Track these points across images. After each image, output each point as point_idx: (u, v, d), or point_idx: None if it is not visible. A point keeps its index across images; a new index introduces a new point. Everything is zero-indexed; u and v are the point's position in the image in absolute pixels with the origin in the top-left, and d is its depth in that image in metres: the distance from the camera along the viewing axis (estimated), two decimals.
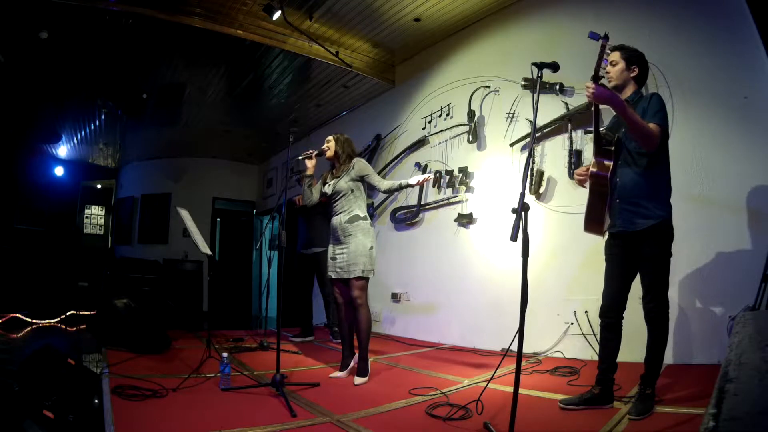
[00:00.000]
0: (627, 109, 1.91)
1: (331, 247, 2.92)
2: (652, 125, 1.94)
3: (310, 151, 3.01)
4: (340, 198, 2.87)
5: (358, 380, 2.70)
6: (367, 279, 2.80)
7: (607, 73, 2.14)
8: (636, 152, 2.03)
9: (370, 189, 3.05)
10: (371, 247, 2.80)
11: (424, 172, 4.86)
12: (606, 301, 2.12)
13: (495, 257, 4.05)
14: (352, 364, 2.90)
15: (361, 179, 2.91)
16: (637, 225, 2.00)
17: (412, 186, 2.83)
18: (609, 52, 2.09)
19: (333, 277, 2.87)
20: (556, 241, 3.59)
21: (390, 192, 3.05)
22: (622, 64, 2.10)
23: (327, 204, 4.27)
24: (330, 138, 3.04)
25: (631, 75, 2.11)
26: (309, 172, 3.01)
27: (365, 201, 2.94)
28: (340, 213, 2.86)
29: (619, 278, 2.10)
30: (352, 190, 2.87)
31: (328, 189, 2.94)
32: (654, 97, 2.02)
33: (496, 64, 4.24)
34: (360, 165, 2.92)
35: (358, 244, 2.77)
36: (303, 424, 1.91)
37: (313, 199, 3.01)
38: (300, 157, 3.02)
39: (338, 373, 2.86)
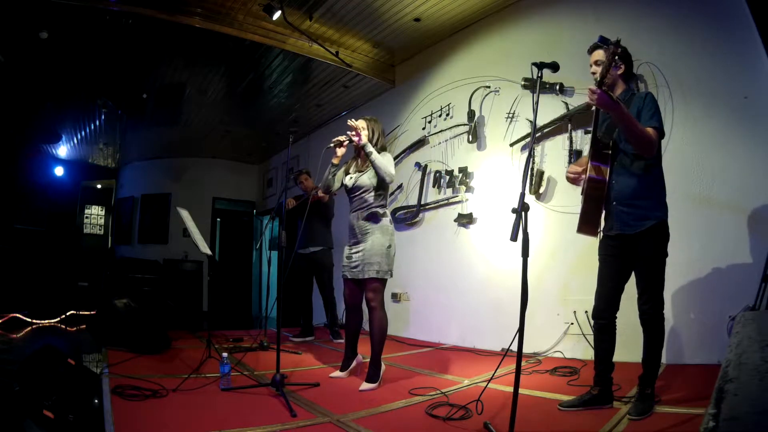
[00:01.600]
0: (629, 118, 1.89)
1: (347, 247, 2.76)
2: (650, 130, 1.92)
3: (343, 138, 2.71)
4: (361, 193, 2.68)
5: (365, 386, 2.53)
6: (383, 281, 2.62)
7: (592, 73, 2.11)
8: (631, 154, 2.02)
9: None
10: (389, 246, 2.62)
11: (424, 172, 4.86)
12: (599, 302, 2.11)
13: (495, 257, 4.05)
14: (353, 365, 2.87)
15: None
16: (635, 227, 2.00)
17: (364, 149, 2.57)
18: (592, 51, 2.06)
19: (348, 276, 2.71)
20: (556, 241, 3.59)
21: (379, 174, 2.62)
22: (607, 63, 2.08)
23: (322, 204, 4.28)
24: (362, 123, 2.74)
25: (618, 72, 2.09)
26: (336, 161, 2.72)
27: (387, 198, 2.75)
28: (358, 210, 2.69)
29: (613, 279, 2.09)
30: (375, 187, 2.68)
31: (349, 182, 2.74)
32: (648, 97, 2.01)
33: (496, 64, 4.24)
34: (387, 156, 2.70)
35: (374, 242, 2.59)
36: (303, 424, 1.91)
37: (333, 188, 2.79)
38: (331, 145, 2.72)
39: (338, 373, 2.84)
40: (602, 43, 1.94)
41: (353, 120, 2.66)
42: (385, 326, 2.68)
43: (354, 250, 2.69)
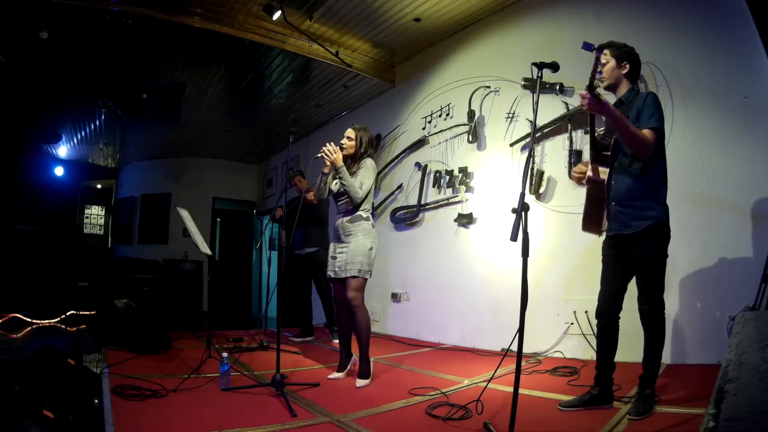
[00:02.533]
0: (620, 120, 1.90)
1: (332, 246, 2.88)
2: (646, 131, 1.92)
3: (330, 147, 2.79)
4: (345, 197, 2.80)
5: (360, 382, 2.65)
6: (363, 279, 2.74)
7: (598, 73, 2.12)
8: (630, 154, 2.02)
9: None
10: (371, 248, 2.75)
11: (424, 172, 4.86)
12: (602, 302, 2.12)
13: (495, 257, 4.05)
14: (349, 365, 2.89)
15: None
16: (632, 227, 2.00)
17: (335, 170, 2.72)
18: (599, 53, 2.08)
19: (332, 276, 2.83)
20: (556, 241, 3.59)
21: (348, 194, 2.77)
22: (612, 62, 2.09)
23: (312, 206, 4.28)
24: (351, 134, 2.87)
25: (623, 72, 2.09)
26: (327, 170, 2.83)
27: (370, 202, 2.86)
28: (343, 213, 2.82)
29: (615, 279, 2.10)
30: None
31: (334, 187, 2.86)
32: (649, 97, 2.00)
33: (496, 64, 4.24)
34: (366, 166, 2.80)
35: (357, 243, 2.72)
36: (303, 424, 1.91)
37: (324, 194, 2.89)
38: (318, 156, 2.80)
39: (336, 375, 2.84)
40: (586, 49, 1.94)
41: (330, 144, 2.76)
42: (368, 323, 2.79)
43: (338, 250, 2.80)
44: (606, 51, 2.09)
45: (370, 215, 2.84)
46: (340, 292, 2.84)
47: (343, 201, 2.83)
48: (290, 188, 4.62)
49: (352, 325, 2.84)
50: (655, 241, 1.98)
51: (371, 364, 2.78)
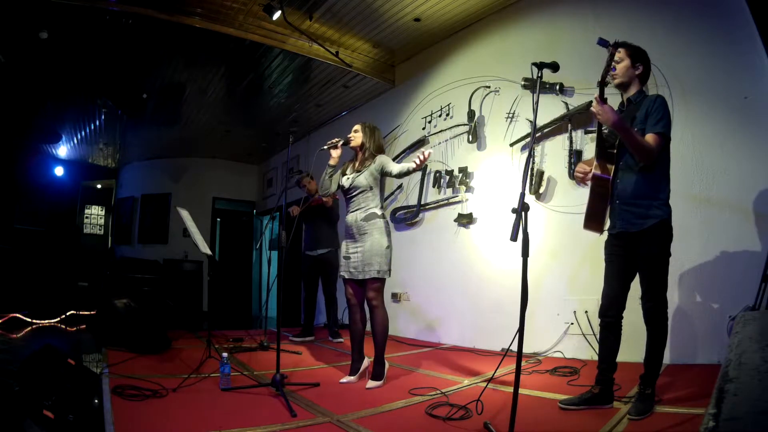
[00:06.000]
0: (629, 132, 1.92)
1: (344, 246, 2.78)
2: (650, 137, 1.94)
3: (336, 140, 2.82)
4: (358, 194, 2.73)
5: (371, 384, 2.60)
6: (383, 280, 2.67)
7: (612, 69, 2.12)
8: None
9: (383, 175, 2.80)
10: (388, 247, 2.66)
11: (424, 172, 4.86)
12: (605, 300, 2.12)
13: (495, 257, 4.05)
14: (362, 368, 2.80)
15: (381, 174, 2.74)
16: (637, 225, 2.01)
17: (416, 169, 2.53)
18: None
19: (346, 277, 2.73)
20: (556, 241, 3.59)
21: (400, 176, 2.70)
22: (627, 61, 2.08)
23: (326, 207, 4.30)
24: (357, 127, 2.87)
25: (636, 73, 2.10)
26: (333, 162, 2.80)
27: (383, 198, 2.79)
28: (356, 210, 2.72)
29: (618, 278, 2.10)
30: (371, 187, 2.72)
31: (345, 182, 2.78)
32: (659, 100, 2.01)
33: (496, 64, 4.24)
34: (381, 160, 2.75)
35: (374, 242, 2.63)
36: (303, 424, 1.91)
37: (331, 189, 2.83)
38: (325, 147, 2.80)
39: (348, 378, 2.73)
40: (601, 44, 1.95)
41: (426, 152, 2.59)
42: (387, 324, 2.71)
43: (352, 250, 2.72)
44: (621, 49, 2.08)
45: (385, 212, 2.77)
46: (356, 292, 2.76)
47: (355, 197, 2.75)
48: (292, 188, 4.63)
49: (367, 325, 2.79)
50: (660, 239, 1.99)
51: (386, 366, 2.72)
